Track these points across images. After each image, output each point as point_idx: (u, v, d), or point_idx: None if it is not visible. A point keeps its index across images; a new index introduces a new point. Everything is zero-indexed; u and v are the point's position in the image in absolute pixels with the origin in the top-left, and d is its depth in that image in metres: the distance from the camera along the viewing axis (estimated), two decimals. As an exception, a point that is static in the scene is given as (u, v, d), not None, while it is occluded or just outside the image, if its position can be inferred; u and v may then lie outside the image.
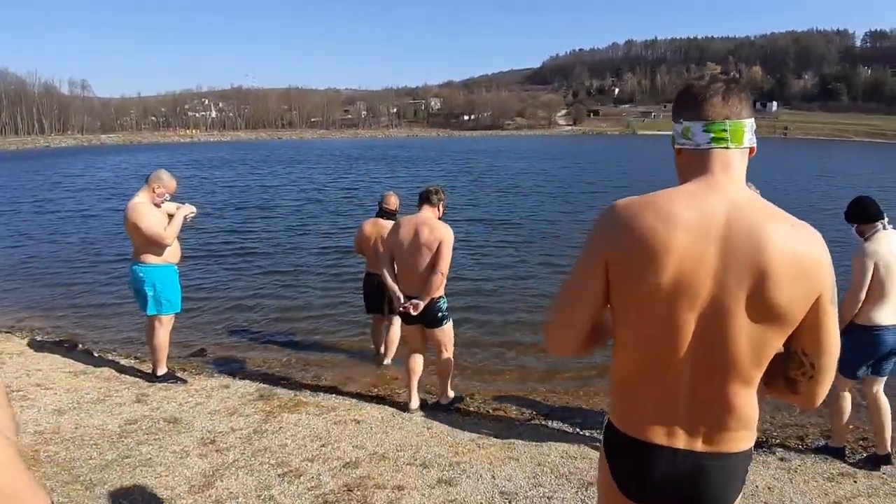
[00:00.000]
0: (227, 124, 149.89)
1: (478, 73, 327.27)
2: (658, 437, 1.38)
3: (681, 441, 1.37)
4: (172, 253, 4.90)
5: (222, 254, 11.34)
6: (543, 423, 4.67)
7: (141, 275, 4.79)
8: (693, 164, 1.38)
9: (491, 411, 4.95)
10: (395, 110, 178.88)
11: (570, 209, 17.14)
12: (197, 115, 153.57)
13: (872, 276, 3.68)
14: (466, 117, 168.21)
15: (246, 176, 30.07)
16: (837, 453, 4.03)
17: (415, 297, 4.34)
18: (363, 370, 5.92)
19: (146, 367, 5.31)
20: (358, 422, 4.25)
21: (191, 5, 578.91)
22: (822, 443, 4.20)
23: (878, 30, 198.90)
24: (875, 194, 4.36)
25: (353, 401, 4.85)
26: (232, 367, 5.85)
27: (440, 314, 4.46)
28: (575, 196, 20.47)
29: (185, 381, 4.99)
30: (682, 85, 1.47)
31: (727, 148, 1.35)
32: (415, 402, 4.68)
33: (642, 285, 1.28)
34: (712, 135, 1.35)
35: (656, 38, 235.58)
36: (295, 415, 4.34)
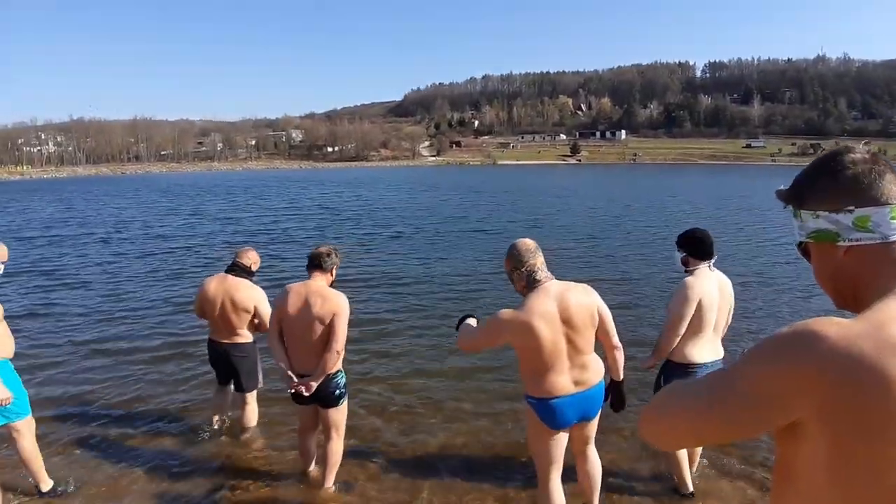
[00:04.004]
0: (65, 159, 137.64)
1: (340, 105, 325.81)
2: None
3: None
4: (5, 345, 3.91)
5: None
6: None
7: None
8: (884, 263, 1.09)
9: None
10: (253, 142, 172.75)
11: (470, 256, 14.27)
12: (33, 150, 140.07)
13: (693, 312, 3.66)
14: (330, 149, 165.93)
15: (55, 221, 26.20)
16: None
17: (307, 376, 3.83)
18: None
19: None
20: None
21: (15, 28, 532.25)
22: None
23: (717, 61, 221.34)
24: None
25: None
26: None
27: (337, 391, 3.98)
28: (468, 236, 18.17)
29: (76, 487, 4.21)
30: (819, 166, 1.13)
31: None
32: (307, 476, 4.32)
33: (885, 446, 0.93)
34: None
35: (511, 72, 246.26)
36: None
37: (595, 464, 3.54)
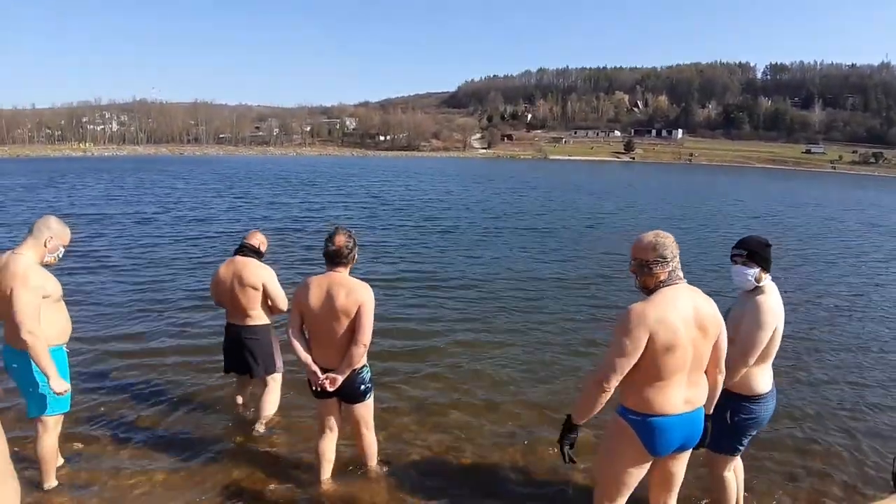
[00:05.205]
0: (127, 138, 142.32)
1: (394, 94, 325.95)
2: None
3: None
4: (62, 329, 3.72)
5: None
6: None
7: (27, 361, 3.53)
8: None
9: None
10: (308, 128, 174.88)
11: (526, 255, 13.35)
12: (96, 128, 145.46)
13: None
14: (382, 137, 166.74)
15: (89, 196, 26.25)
16: None
17: (331, 370, 3.63)
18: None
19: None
20: None
21: (88, 10, 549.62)
22: None
23: (779, 63, 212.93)
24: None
25: None
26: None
27: (363, 387, 3.79)
28: (521, 234, 16.95)
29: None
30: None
31: None
32: (325, 473, 4.03)
33: None
34: None
35: (567, 66, 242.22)
36: None
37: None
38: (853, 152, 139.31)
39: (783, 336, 3.25)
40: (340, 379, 3.61)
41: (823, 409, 5.58)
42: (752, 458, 4.32)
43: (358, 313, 3.55)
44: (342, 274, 3.66)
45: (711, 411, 2.97)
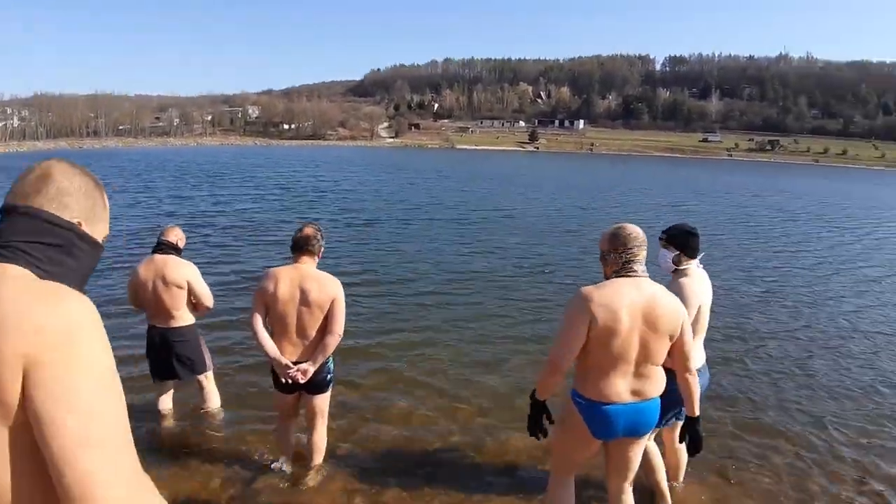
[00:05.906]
0: (27, 134, 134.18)
1: (299, 82, 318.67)
2: None
3: None
4: None
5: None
6: None
7: None
8: None
9: None
10: (209, 118, 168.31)
11: (451, 250, 13.33)
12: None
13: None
14: (286, 126, 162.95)
15: None
16: None
17: (301, 363, 3.64)
18: None
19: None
20: None
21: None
22: None
23: (677, 55, 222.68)
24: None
25: None
26: None
27: (329, 376, 3.88)
28: (443, 225, 17.20)
29: None
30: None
31: None
32: (287, 467, 4.11)
33: None
34: None
35: (473, 57, 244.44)
36: None
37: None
38: (749, 140, 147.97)
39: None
40: (312, 370, 3.64)
41: (773, 392, 5.89)
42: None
43: (332, 306, 3.64)
44: (310, 266, 3.72)
45: (698, 412, 3.02)
